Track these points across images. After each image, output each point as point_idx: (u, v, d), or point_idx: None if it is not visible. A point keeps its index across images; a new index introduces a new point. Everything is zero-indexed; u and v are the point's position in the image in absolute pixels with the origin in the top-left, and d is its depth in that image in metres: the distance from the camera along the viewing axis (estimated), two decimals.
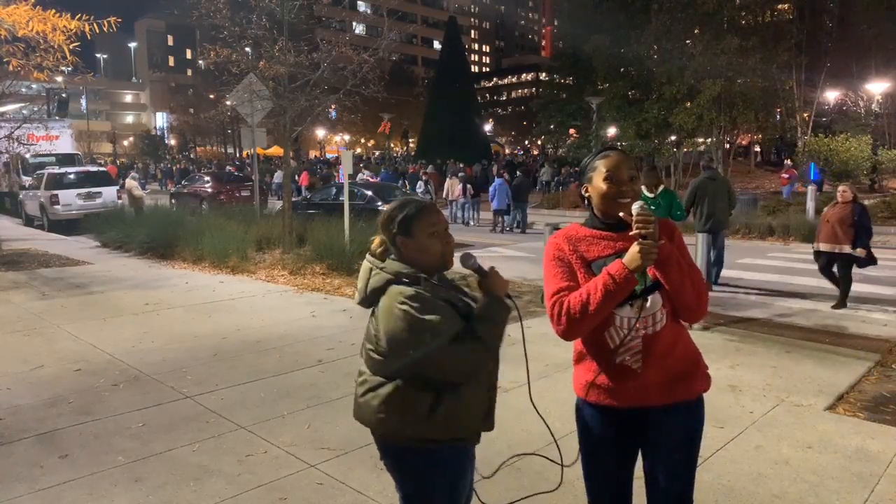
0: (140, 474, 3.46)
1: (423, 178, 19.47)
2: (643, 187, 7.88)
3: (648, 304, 2.04)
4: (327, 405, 4.42)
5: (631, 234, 1.97)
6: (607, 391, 2.10)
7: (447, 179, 20.01)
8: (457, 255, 2.09)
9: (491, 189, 17.53)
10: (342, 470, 3.48)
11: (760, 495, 3.22)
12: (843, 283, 7.47)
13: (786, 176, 21.77)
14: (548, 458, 2.50)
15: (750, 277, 9.20)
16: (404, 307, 1.88)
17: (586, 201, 2.16)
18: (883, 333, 6.38)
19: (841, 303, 7.48)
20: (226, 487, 3.32)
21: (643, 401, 2.07)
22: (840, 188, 7.56)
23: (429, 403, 1.94)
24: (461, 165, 29.36)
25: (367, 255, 2.10)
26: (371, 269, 2.04)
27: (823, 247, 7.43)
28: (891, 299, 8.03)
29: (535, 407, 2.28)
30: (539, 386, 4.51)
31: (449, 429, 1.95)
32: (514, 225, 17.28)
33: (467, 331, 1.93)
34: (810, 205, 16.14)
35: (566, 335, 2.04)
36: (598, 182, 2.09)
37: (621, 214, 2.04)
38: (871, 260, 7.26)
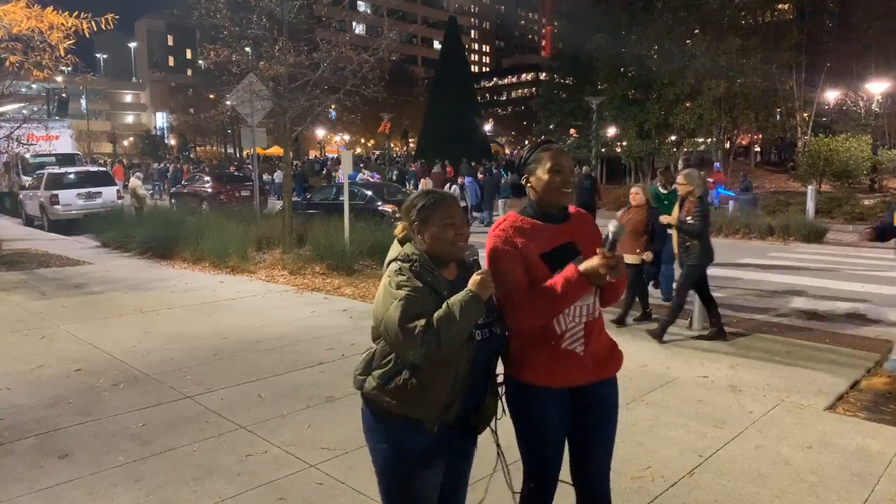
0: (140, 474, 3.46)
1: (459, 182, 19.75)
2: (659, 185, 7.94)
3: (594, 293, 2.20)
4: (327, 405, 4.42)
5: (597, 260, 2.05)
6: (549, 374, 2.20)
7: (422, 179, 20.57)
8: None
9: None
10: (342, 470, 3.48)
11: (760, 495, 3.22)
12: (630, 293, 6.47)
13: (711, 181, 18.79)
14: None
15: (750, 277, 9.19)
16: (387, 279, 2.06)
17: (528, 191, 2.27)
18: (883, 333, 6.38)
19: (643, 315, 6.67)
20: (226, 487, 3.32)
21: (581, 380, 2.22)
22: (632, 189, 6.79)
23: (389, 370, 2.04)
24: (473, 164, 29.45)
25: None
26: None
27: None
28: (891, 299, 8.03)
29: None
30: None
31: (402, 403, 2.02)
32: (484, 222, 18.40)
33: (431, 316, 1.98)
34: (810, 205, 16.39)
35: (528, 325, 2.17)
36: (541, 173, 2.20)
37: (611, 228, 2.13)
38: (657, 273, 6.68)
